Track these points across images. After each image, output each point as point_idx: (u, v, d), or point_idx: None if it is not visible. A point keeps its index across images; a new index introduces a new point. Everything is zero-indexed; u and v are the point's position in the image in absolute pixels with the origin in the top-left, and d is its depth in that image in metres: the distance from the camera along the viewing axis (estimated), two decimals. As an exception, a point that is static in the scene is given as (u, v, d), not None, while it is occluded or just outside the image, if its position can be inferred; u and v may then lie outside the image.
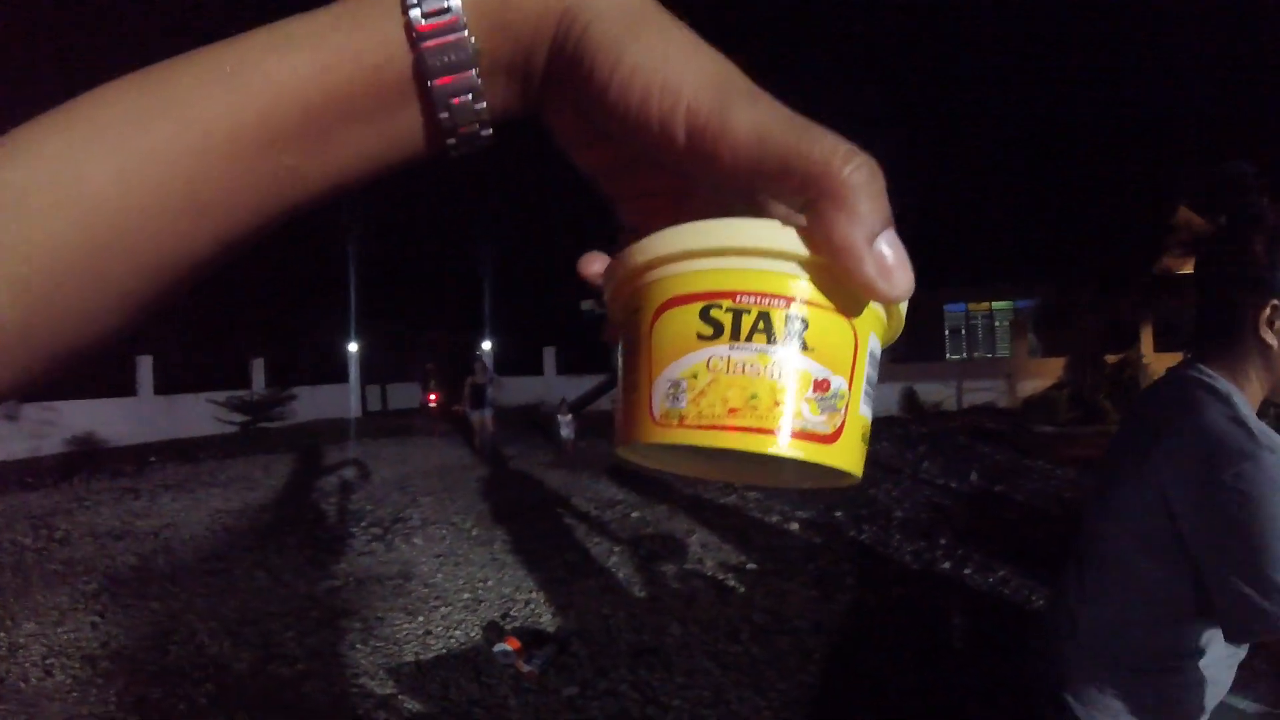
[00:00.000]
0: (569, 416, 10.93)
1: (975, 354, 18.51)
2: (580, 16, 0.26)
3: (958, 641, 3.96)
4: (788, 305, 0.24)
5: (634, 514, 6.75)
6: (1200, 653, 1.19)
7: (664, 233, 0.26)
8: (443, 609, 4.49)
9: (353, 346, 20.30)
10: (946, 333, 19.19)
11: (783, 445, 0.24)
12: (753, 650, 3.76)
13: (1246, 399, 1.19)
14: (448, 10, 0.26)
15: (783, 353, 0.24)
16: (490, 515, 7.00)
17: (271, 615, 4.44)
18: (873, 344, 0.26)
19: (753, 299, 0.24)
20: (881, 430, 12.74)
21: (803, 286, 0.24)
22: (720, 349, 0.24)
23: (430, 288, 28.88)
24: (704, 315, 0.25)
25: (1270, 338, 1.17)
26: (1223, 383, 1.19)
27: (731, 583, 4.81)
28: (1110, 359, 14.30)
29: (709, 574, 4.99)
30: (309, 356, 19.76)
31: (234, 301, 18.72)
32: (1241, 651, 1.25)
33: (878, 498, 7.28)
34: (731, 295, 0.24)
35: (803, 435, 0.24)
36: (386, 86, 0.27)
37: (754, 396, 0.24)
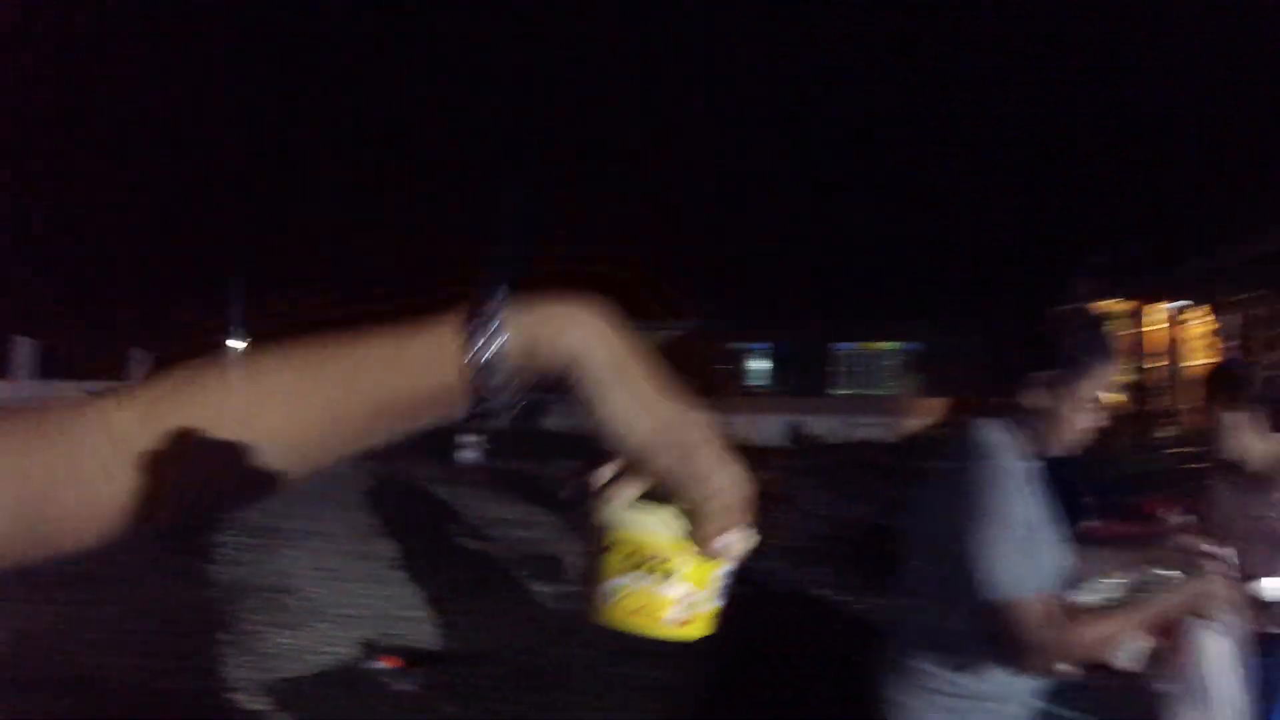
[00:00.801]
0: (477, 437, 10.30)
1: (862, 390, 19.31)
2: (582, 364, 0.43)
3: (839, 665, 4.17)
4: (669, 560, 0.44)
5: (518, 533, 6.79)
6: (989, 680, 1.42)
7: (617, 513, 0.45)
8: (320, 624, 4.41)
9: (237, 343, 19.34)
10: (834, 370, 19.91)
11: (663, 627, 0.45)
12: (639, 672, 3.84)
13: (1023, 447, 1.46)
14: (499, 358, 0.42)
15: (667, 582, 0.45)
16: (372, 530, 6.89)
17: (140, 625, 4.25)
18: (719, 571, 0.47)
19: (654, 556, 0.44)
20: (770, 461, 13.00)
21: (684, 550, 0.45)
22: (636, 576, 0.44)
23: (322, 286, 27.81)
24: (627, 558, 0.44)
25: (1035, 400, 1.45)
26: (990, 430, 1.46)
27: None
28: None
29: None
30: (191, 350, 18.67)
31: (117, 287, 17.60)
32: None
33: (765, 526, 7.47)
34: (645, 551, 0.44)
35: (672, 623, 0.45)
36: (452, 393, 0.44)
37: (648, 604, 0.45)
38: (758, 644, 4.34)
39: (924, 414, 16.74)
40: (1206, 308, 9.77)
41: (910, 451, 13.07)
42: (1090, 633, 1.36)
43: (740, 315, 18.92)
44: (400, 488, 9.10)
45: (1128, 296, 10.78)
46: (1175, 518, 2.14)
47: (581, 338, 0.43)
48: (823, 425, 15.98)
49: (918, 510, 1.57)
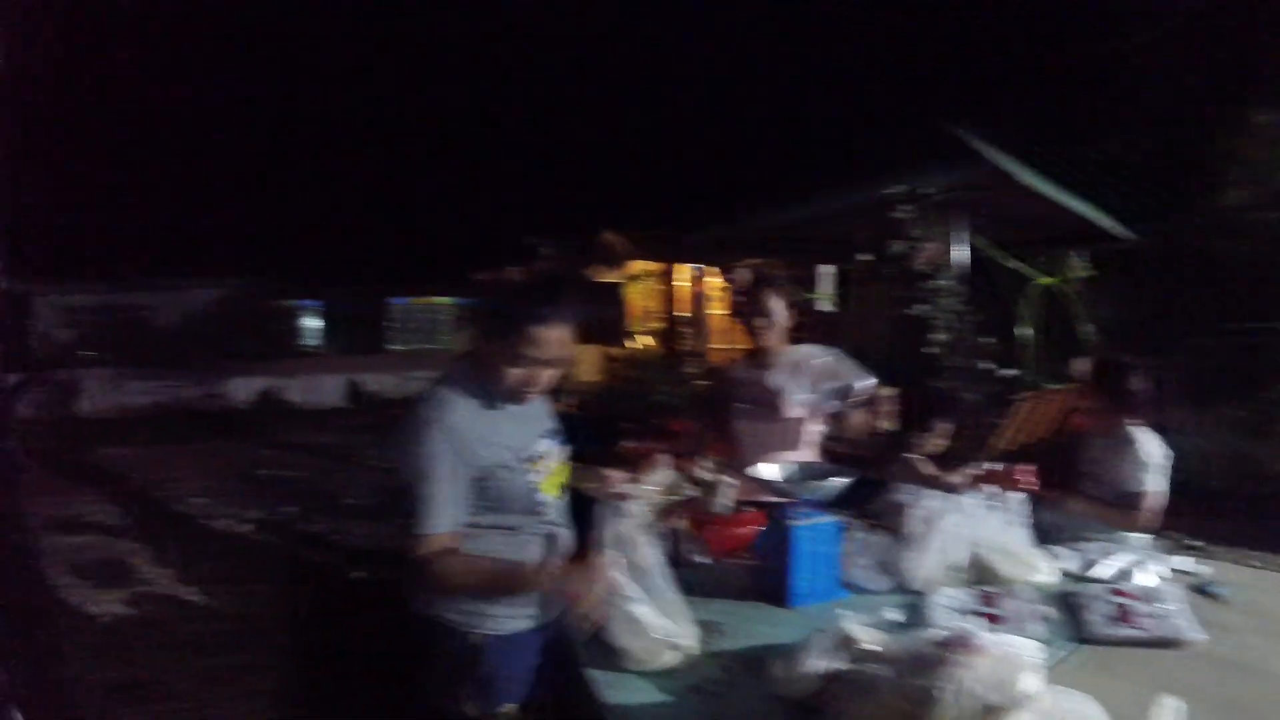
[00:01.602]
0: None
1: (419, 346, 18.98)
2: None
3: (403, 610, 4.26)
4: None
5: (74, 538, 5.98)
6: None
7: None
8: None
9: None
10: (389, 326, 19.54)
11: None
12: (227, 659, 3.81)
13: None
14: None
15: None
16: None
17: None
18: None
19: None
20: (327, 421, 13.19)
21: None
22: None
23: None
24: None
25: (491, 350, 1.64)
26: (448, 382, 1.67)
27: (193, 597, 4.73)
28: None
29: (166, 592, 4.83)
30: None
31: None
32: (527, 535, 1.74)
33: (326, 488, 7.69)
34: None
35: None
36: None
37: None
38: (341, 608, 4.51)
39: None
40: (718, 270, 12.34)
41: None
42: (482, 575, 1.62)
43: (292, 272, 17.67)
44: None
45: (657, 259, 13.39)
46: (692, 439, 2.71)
47: None
48: (382, 382, 15.74)
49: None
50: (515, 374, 1.63)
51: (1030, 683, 1.21)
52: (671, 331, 11.77)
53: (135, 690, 3.53)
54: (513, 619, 1.70)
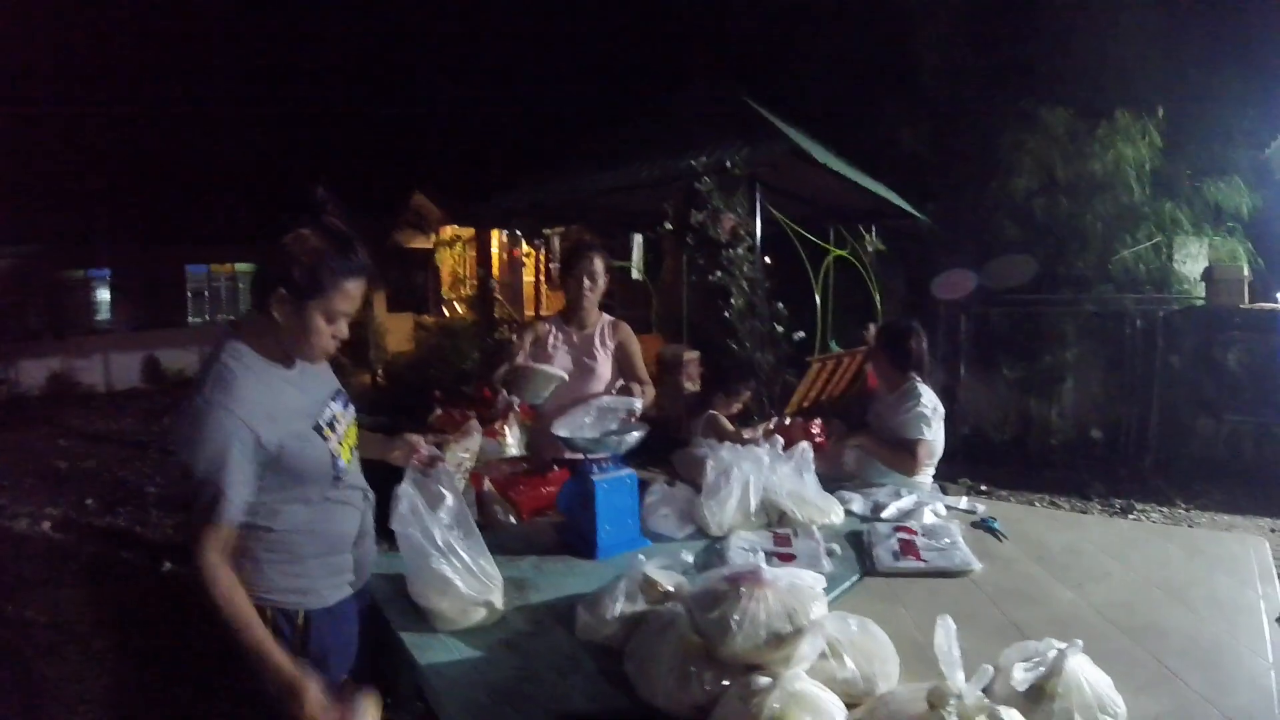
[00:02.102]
0: None
1: (219, 317, 17.50)
2: None
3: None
4: None
5: None
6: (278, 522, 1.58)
7: None
8: None
9: None
10: (189, 296, 17.89)
11: None
12: (44, 671, 3.52)
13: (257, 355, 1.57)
14: None
15: None
16: None
17: None
18: None
19: None
20: (125, 405, 12.12)
21: None
22: None
23: None
24: None
25: (278, 313, 1.54)
26: (232, 351, 1.55)
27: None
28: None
29: None
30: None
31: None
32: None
33: (129, 478, 7.16)
34: None
35: None
36: None
37: None
38: (155, 602, 4.25)
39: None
40: (529, 237, 12.69)
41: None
42: (222, 599, 1.45)
43: (77, 236, 15.15)
44: None
45: (468, 224, 13.63)
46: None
47: None
48: (184, 358, 14.18)
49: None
50: (302, 336, 1.57)
51: (815, 611, 1.27)
52: (484, 298, 11.51)
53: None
54: (335, 588, 1.67)
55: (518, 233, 12.93)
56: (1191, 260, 8.14)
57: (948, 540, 2.04)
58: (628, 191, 6.70)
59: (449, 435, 3.30)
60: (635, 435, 2.12)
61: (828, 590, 1.71)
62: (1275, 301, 7.22)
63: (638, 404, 2.30)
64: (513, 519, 2.48)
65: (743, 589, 1.28)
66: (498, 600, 1.71)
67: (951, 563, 1.93)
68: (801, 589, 1.31)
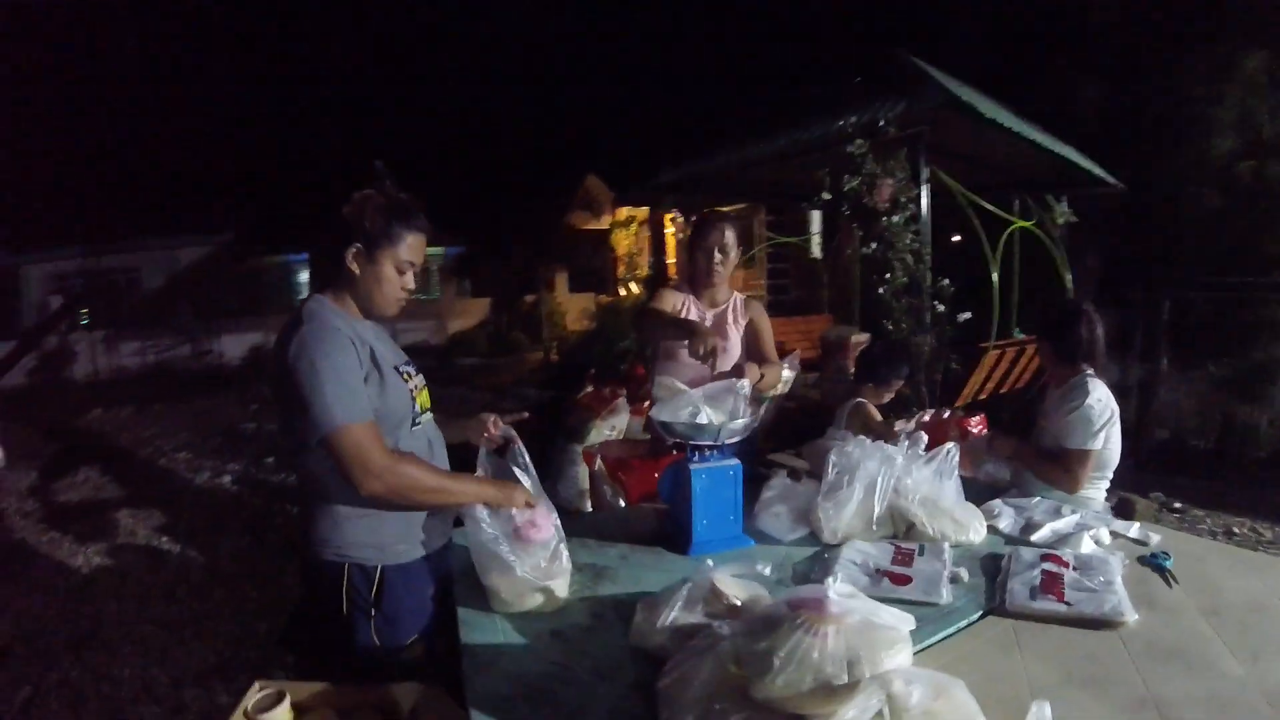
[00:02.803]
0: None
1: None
2: None
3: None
4: None
5: (59, 498, 6.10)
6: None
7: None
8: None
9: None
10: None
11: None
12: (192, 606, 3.93)
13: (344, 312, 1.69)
14: None
15: None
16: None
17: None
18: None
19: None
20: None
21: None
22: None
23: None
24: None
25: (355, 266, 1.66)
26: (317, 301, 1.67)
27: (165, 546, 4.84)
28: (528, 299, 16.65)
29: (142, 543, 4.94)
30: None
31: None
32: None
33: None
34: None
35: None
36: None
37: None
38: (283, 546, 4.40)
39: (467, 315, 17.66)
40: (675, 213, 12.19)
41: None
42: (419, 473, 1.61)
43: (275, 225, 17.61)
44: None
45: (635, 205, 13.75)
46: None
47: None
48: None
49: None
50: (376, 286, 1.69)
51: (887, 661, 1.02)
52: (656, 278, 11.53)
53: (99, 636, 3.61)
54: (410, 547, 1.72)
55: (678, 213, 12.69)
56: None
57: (1102, 579, 1.63)
58: (781, 160, 6.29)
59: (595, 411, 3.39)
60: (741, 423, 1.93)
61: (936, 629, 1.47)
62: None
63: (746, 386, 2.09)
64: (621, 501, 2.40)
65: (800, 619, 1.07)
66: (559, 588, 1.64)
67: (1100, 610, 1.52)
68: (876, 630, 1.07)
